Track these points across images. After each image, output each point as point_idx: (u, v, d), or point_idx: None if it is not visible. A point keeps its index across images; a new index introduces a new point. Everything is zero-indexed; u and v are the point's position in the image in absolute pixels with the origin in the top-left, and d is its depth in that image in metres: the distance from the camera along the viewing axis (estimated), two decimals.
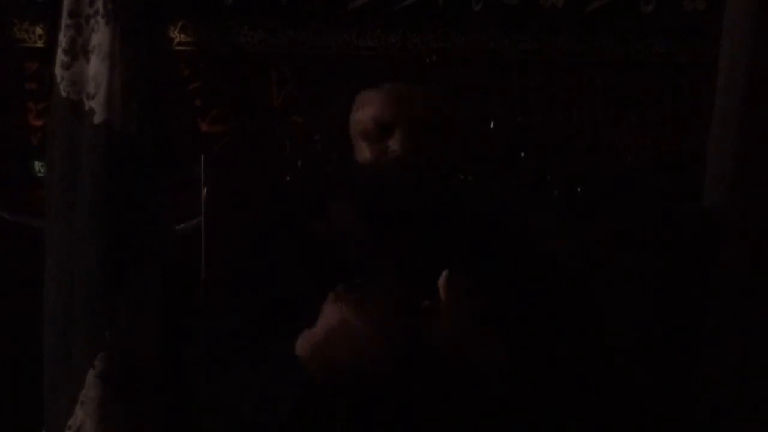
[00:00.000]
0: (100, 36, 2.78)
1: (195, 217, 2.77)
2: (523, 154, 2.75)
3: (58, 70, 2.81)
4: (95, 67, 2.78)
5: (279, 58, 3.11)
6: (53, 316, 2.77)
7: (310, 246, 2.20)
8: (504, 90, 3.13)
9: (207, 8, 3.10)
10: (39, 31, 3.06)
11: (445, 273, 1.93)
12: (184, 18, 3.09)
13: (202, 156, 2.73)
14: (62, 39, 2.81)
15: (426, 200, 2.17)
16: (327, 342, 1.91)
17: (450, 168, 2.28)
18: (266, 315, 2.14)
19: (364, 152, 2.22)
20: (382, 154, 2.18)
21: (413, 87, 2.25)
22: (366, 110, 2.23)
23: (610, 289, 2.63)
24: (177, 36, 3.09)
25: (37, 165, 3.02)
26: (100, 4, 2.78)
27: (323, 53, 3.12)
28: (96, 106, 2.77)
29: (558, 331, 2.13)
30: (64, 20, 2.81)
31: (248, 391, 2.03)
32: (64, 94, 2.79)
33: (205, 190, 2.68)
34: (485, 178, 2.72)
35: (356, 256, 2.14)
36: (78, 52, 2.80)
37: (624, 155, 3.15)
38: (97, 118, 2.76)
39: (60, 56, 2.80)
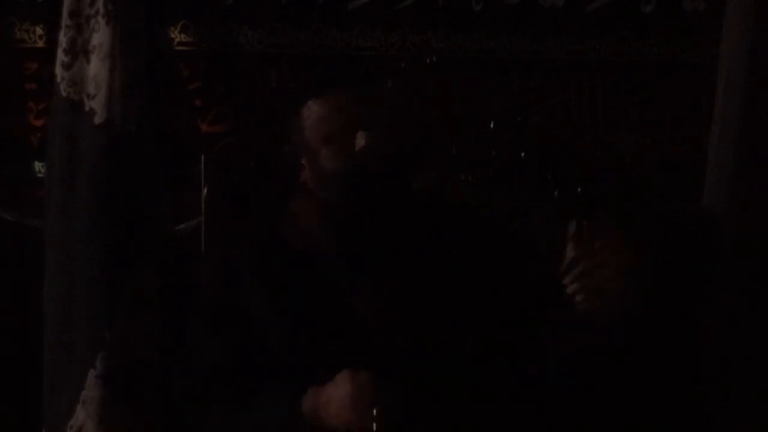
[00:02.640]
0: (100, 36, 2.78)
1: (195, 217, 2.77)
2: (523, 154, 2.75)
3: (58, 70, 2.81)
4: (95, 67, 2.78)
5: (279, 58, 3.11)
6: (53, 316, 2.77)
7: (306, 250, 2.21)
8: (504, 90, 3.13)
9: (207, 8, 3.10)
10: (39, 31, 3.06)
11: None
12: (184, 18, 3.09)
13: (202, 156, 2.73)
14: (62, 39, 2.81)
15: (385, 202, 2.20)
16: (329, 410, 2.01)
17: (412, 168, 2.31)
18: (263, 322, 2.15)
19: (329, 158, 2.22)
20: (351, 151, 2.19)
21: (359, 92, 2.28)
22: (326, 118, 2.24)
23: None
24: (177, 36, 3.09)
25: (37, 165, 3.02)
26: (100, 4, 2.78)
27: (323, 53, 3.12)
28: (96, 106, 2.77)
29: (547, 330, 2.14)
30: (65, 20, 2.81)
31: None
32: (64, 94, 2.79)
33: (205, 190, 2.68)
34: (485, 178, 2.72)
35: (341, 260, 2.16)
36: (78, 52, 2.80)
37: (624, 155, 3.14)
38: (98, 119, 2.76)
39: (60, 56, 2.81)
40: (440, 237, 2.20)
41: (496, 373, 2.09)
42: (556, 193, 2.74)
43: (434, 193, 2.33)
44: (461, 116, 2.70)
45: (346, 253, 2.16)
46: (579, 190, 2.74)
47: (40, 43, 3.05)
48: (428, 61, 2.76)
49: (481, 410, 2.07)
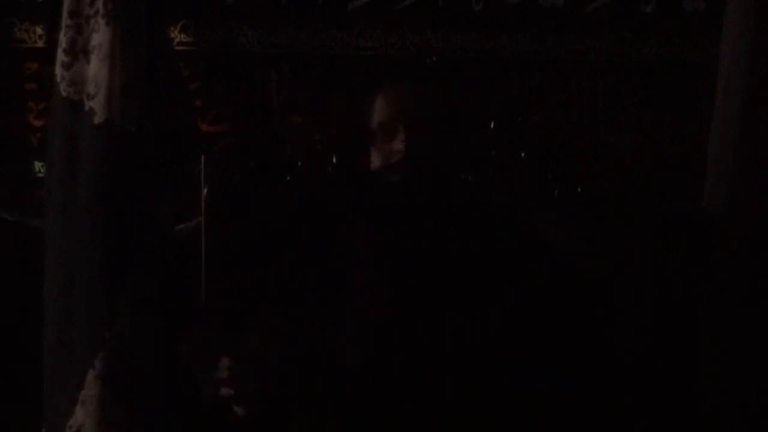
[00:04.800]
0: (100, 36, 2.78)
1: (195, 217, 2.77)
2: (523, 155, 2.75)
3: (58, 70, 2.81)
4: (95, 67, 2.78)
5: (279, 58, 3.12)
6: (53, 316, 2.77)
7: (312, 246, 2.21)
8: (504, 90, 3.13)
9: (207, 8, 3.10)
10: (39, 31, 3.06)
11: None
12: (184, 18, 3.09)
13: (202, 156, 2.73)
14: (62, 39, 2.81)
15: (429, 202, 2.19)
16: None
17: (453, 168, 2.30)
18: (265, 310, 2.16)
19: (373, 156, 2.23)
20: (389, 157, 2.19)
21: (414, 87, 2.26)
22: (373, 114, 2.24)
23: (610, 289, 2.63)
24: (177, 36, 3.09)
25: (37, 165, 3.02)
26: (100, 5, 2.78)
27: (323, 53, 3.12)
28: (96, 106, 2.77)
29: (557, 331, 2.14)
30: (64, 20, 2.81)
31: None
32: (64, 94, 2.79)
33: (205, 190, 2.68)
34: (485, 178, 2.72)
35: (357, 259, 2.15)
36: (78, 52, 2.80)
37: (624, 155, 3.15)
38: (97, 118, 2.76)
39: (60, 56, 2.80)
40: (468, 236, 2.20)
41: (504, 373, 2.10)
42: (556, 193, 2.74)
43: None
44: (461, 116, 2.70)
45: (373, 243, 2.16)
46: (579, 190, 2.75)
47: (40, 43, 3.06)
48: (428, 61, 2.76)
49: (486, 408, 2.08)
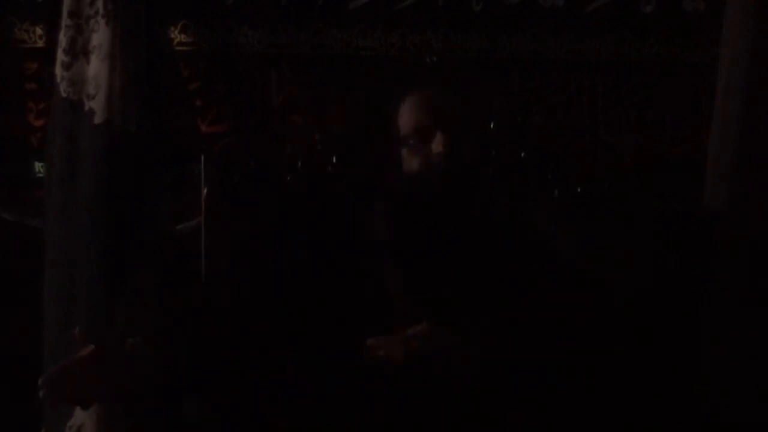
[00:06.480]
0: (100, 36, 2.78)
1: (195, 217, 2.77)
2: (523, 154, 2.75)
3: (58, 70, 2.81)
4: (95, 68, 2.78)
5: (279, 58, 3.12)
6: (53, 316, 2.77)
7: (320, 245, 2.22)
8: (504, 90, 3.13)
9: (207, 8, 3.10)
10: (39, 31, 3.06)
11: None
12: (184, 18, 3.09)
13: (202, 156, 2.73)
14: (62, 39, 2.81)
15: (467, 200, 2.21)
16: None
17: (483, 168, 2.33)
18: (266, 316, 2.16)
19: (405, 158, 2.24)
20: (426, 158, 2.21)
21: (446, 91, 2.28)
22: (406, 118, 2.26)
23: (609, 289, 2.63)
24: (177, 36, 3.09)
25: (37, 165, 3.02)
26: (100, 5, 2.78)
27: (323, 53, 3.12)
28: (96, 106, 2.77)
29: (557, 331, 2.14)
30: (64, 20, 2.81)
31: None
32: (64, 94, 2.79)
33: (205, 190, 2.68)
34: (485, 178, 2.72)
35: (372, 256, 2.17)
36: (78, 52, 2.80)
37: (624, 155, 3.15)
38: (98, 119, 2.76)
39: (60, 56, 2.81)
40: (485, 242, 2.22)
41: (506, 373, 2.10)
42: (556, 193, 2.74)
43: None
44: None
45: (397, 244, 2.17)
46: (579, 190, 2.75)
47: (40, 43, 3.06)
48: (428, 61, 2.76)
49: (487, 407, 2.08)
